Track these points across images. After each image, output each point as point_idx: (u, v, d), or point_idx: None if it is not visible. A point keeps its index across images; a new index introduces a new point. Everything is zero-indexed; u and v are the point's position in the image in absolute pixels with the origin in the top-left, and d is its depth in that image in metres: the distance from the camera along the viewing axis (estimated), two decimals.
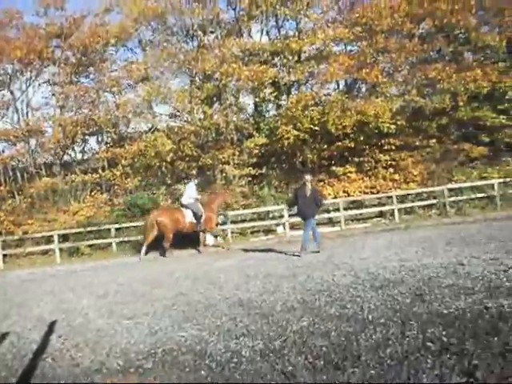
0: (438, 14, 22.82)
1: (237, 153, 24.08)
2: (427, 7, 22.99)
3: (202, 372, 4.74)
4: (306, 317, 6.12)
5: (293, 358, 4.73)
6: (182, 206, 18.23)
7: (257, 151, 24.07)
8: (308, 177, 14.01)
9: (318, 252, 13.01)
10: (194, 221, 17.90)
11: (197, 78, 25.23)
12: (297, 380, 4.18)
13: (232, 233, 20.67)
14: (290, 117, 22.75)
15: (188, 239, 18.67)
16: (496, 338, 4.39)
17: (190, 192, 18.13)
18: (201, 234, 18.39)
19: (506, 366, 3.78)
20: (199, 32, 24.41)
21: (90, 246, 20.82)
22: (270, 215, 21.22)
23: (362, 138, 22.86)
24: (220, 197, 19.28)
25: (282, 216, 20.72)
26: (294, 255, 13.14)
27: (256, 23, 26.31)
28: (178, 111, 25.38)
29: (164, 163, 23.73)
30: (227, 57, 23.04)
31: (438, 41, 24.02)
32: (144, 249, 17.88)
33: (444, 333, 4.76)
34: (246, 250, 17.04)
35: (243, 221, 21.40)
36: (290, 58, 24.46)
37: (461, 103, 22.97)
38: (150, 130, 25.22)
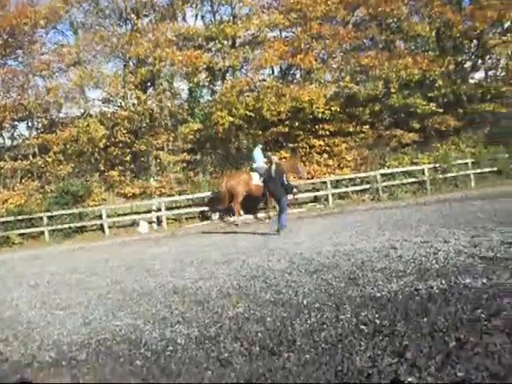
0: (372, 2, 23.25)
1: (171, 139, 23.80)
2: None
3: (137, 362, 4.68)
4: (241, 303, 6.13)
5: (228, 344, 4.73)
6: (252, 170, 19.28)
7: (191, 137, 23.84)
8: (273, 157, 14.30)
9: (277, 234, 13.26)
10: (261, 184, 17.74)
11: (130, 63, 24.71)
12: (233, 367, 4.18)
13: (167, 219, 20.54)
14: (225, 102, 22.62)
15: None
16: (425, 319, 4.52)
17: (257, 156, 19.24)
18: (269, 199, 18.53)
19: (433, 346, 3.89)
20: (133, 15, 23.87)
21: (21, 234, 20.22)
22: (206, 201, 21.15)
23: (296, 124, 23.04)
24: (289, 167, 18.74)
25: None
26: (270, 233, 13.46)
27: (191, 7, 26.02)
28: (111, 96, 24.78)
29: (97, 149, 23.16)
30: (161, 41, 22.64)
31: (371, 29, 24.45)
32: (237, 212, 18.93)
33: (377, 315, 4.87)
34: (180, 237, 16.97)
35: (178, 207, 21.25)
36: (225, 43, 24.30)
37: (393, 90, 23.46)
38: (82, 115, 24.50)
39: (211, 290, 7.08)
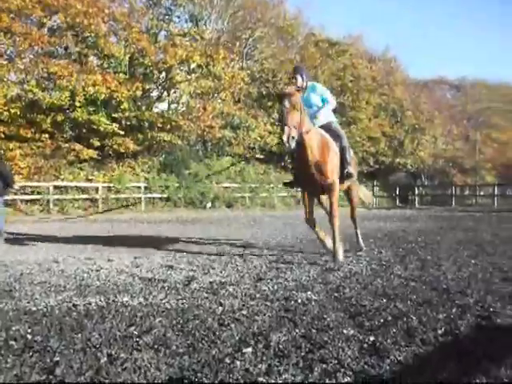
0: (72, 11, 22.84)
1: None
2: (62, 1, 22.79)
3: None
4: None
5: None
6: None
7: None
8: None
9: None
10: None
11: None
12: None
13: None
14: None
15: None
16: (80, 335, 4.50)
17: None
18: None
19: (85, 361, 3.89)
20: None
21: None
22: None
23: None
24: None
25: None
26: None
27: None
28: None
29: None
30: None
31: (67, 38, 24.01)
32: None
33: (29, 330, 4.67)
34: None
35: None
36: None
37: (78, 104, 23.26)
38: None
39: None
